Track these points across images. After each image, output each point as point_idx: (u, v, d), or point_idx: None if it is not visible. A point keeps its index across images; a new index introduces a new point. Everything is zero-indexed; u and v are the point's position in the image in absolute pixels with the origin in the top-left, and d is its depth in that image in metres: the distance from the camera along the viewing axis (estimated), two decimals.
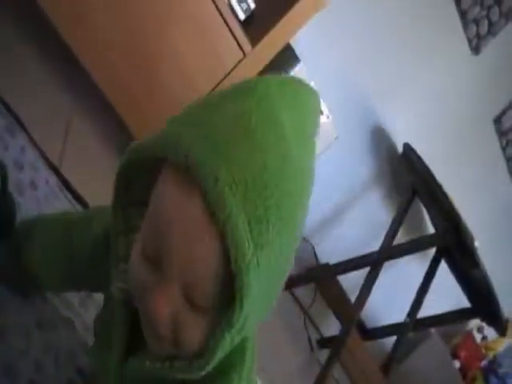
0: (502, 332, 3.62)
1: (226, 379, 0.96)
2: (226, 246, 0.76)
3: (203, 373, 0.87)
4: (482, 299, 3.49)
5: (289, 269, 0.88)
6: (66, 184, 1.68)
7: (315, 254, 3.58)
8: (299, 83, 0.93)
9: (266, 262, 0.79)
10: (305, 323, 3.54)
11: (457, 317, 3.86)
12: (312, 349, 3.49)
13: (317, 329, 3.70)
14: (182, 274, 0.81)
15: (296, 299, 3.53)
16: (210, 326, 0.85)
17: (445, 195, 3.16)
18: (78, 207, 1.67)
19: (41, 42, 1.98)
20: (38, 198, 1.47)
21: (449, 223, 3.10)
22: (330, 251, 3.57)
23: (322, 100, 2.32)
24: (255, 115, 0.81)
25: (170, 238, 0.80)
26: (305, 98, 0.93)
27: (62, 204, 1.59)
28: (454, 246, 3.15)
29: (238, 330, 0.83)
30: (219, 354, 0.85)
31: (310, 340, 3.52)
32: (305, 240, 3.45)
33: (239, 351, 0.97)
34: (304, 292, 3.55)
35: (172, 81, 2.06)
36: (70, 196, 1.66)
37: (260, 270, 0.78)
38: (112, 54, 1.94)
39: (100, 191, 1.83)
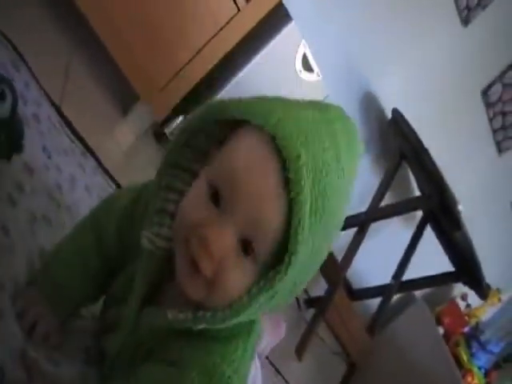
0: (483, 296, 3.71)
1: (231, 345, 1.02)
2: (290, 214, 0.85)
3: (225, 324, 0.93)
4: (464, 263, 3.58)
5: (320, 262, 0.98)
6: (65, 121, 1.75)
7: None
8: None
9: (312, 243, 0.88)
10: None
11: (440, 280, 3.95)
12: (300, 308, 3.54)
13: (304, 289, 3.74)
14: (247, 216, 0.88)
15: None
16: (251, 280, 0.91)
17: (431, 160, 3.22)
18: (77, 143, 1.74)
19: None
20: (42, 131, 1.52)
21: (434, 186, 3.18)
22: None
23: (312, 58, 2.39)
24: (338, 124, 0.94)
25: (246, 185, 0.87)
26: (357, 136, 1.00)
27: (62, 139, 1.66)
28: (439, 209, 3.22)
29: (271, 296, 0.89)
30: (247, 312, 0.91)
31: (297, 299, 3.55)
32: None
33: (248, 324, 1.04)
34: None
35: (167, 32, 2.10)
36: (69, 132, 1.73)
37: (308, 248, 0.87)
38: (110, 4, 2.00)
39: (96, 130, 1.92)
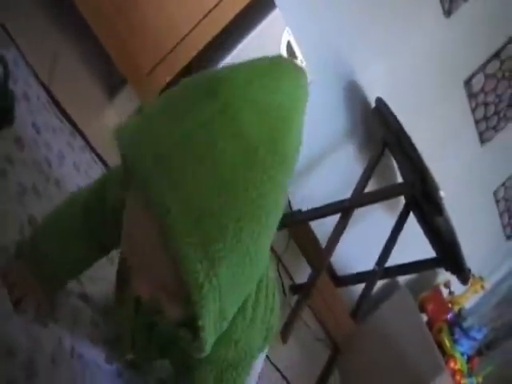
0: (465, 281, 3.77)
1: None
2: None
3: (208, 346, 0.97)
4: (446, 249, 3.65)
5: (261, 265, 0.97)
6: (54, 101, 1.80)
7: (289, 203, 3.68)
8: (278, 70, 0.92)
9: (225, 273, 0.87)
10: (278, 270, 3.64)
11: (423, 266, 4.02)
12: (285, 294, 3.59)
13: (290, 276, 3.81)
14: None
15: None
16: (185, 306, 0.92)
17: (413, 147, 3.28)
18: (66, 123, 1.79)
19: None
20: (31, 109, 1.57)
21: (416, 173, 3.23)
22: (304, 200, 3.66)
23: (296, 45, 2.43)
24: (216, 131, 0.85)
25: (135, 255, 0.94)
26: (285, 89, 0.91)
27: (51, 118, 1.71)
28: (421, 195, 3.27)
29: (217, 318, 0.92)
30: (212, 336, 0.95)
31: (283, 286, 3.61)
32: None
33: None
34: (277, 239, 3.61)
35: (153, 17, 2.12)
36: (57, 112, 1.78)
37: (219, 284, 0.87)
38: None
39: (83, 113, 1.97)
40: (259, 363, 1.44)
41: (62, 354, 1.16)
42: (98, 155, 1.93)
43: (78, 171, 1.65)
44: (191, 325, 0.94)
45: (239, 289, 0.94)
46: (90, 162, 1.82)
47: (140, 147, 0.87)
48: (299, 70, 0.94)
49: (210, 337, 0.93)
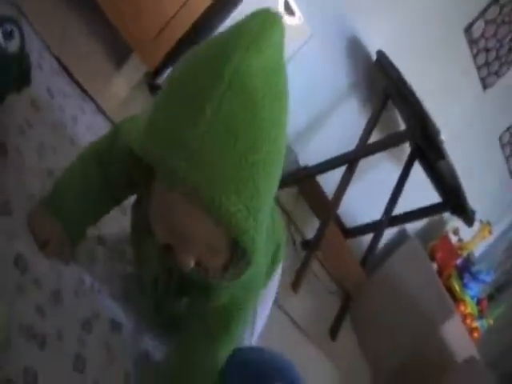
0: (469, 223, 3.84)
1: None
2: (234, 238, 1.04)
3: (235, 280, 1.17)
4: (450, 192, 3.73)
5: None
6: (66, 71, 1.87)
7: (297, 160, 3.75)
8: (266, 29, 1.01)
9: (258, 210, 1.02)
10: (288, 226, 3.68)
11: (429, 211, 4.10)
12: (296, 249, 3.62)
13: (300, 232, 3.85)
14: (201, 253, 1.09)
15: (279, 203, 3.63)
16: (228, 256, 1.13)
17: (413, 95, 3.34)
18: (77, 90, 1.87)
19: None
20: (45, 77, 1.67)
21: (416, 118, 3.28)
22: (311, 156, 3.72)
23: (294, 2, 2.47)
24: (226, 107, 0.96)
25: (187, 236, 1.06)
26: (274, 44, 1.02)
27: (64, 85, 1.79)
28: (422, 140, 3.34)
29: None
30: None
31: (294, 241, 3.65)
32: (288, 147, 3.61)
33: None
34: (286, 196, 3.70)
35: None
36: (69, 80, 1.86)
37: (261, 231, 1.04)
38: None
39: (92, 82, 2.03)
40: (271, 291, 1.63)
41: (83, 288, 1.28)
42: (108, 118, 1.99)
43: (90, 132, 1.74)
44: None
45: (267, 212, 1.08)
46: (101, 124, 1.90)
47: (167, 147, 0.98)
48: (278, 18, 1.03)
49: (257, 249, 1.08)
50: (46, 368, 1.04)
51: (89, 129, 1.75)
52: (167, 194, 1.03)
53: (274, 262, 1.44)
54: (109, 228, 1.47)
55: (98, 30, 2.29)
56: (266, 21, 1.01)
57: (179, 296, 1.39)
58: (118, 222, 1.51)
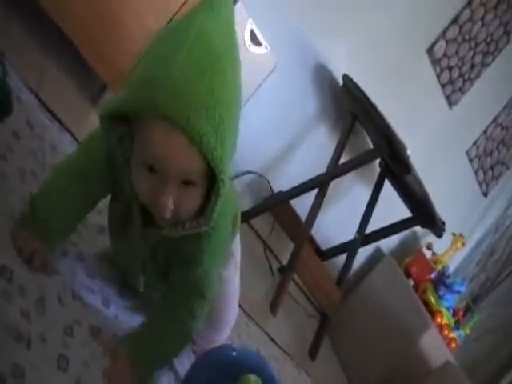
0: (440, 234, 3.95)
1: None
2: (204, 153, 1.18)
3: (209, 225, 1.33)
4: (418, 205, 3.86)
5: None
6: (43, 105, 2.00)
7: (271, 188, 3.85)
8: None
9: (228, 140, 1.22)
10: (265, 253, 3.78)
11: (400, 227, 4.20)
12: (273, 275, 3.71)
13: (276, 257, 3.93)
14: (178, 175, 1.22)
15: (255, 230, 3.76)
16: (201, 195, 1.29)
17: (379, 114, 3.45)
18: (55, 122, 1.99)
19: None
20: (24, 110, 1.78)
21: (383, 136, 3.41)
22: (285, 182, 3.80)
23: (260, 33, 2.59)
24: (194, 55, 1.17)
25: (167, 160, 1.20)
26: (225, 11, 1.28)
27: (42, 117, 1.92)
28: (389, 156, 3.46)
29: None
30: (216, 212, 1.29)
31: (270, 267, 3.74)
32: (261, 176, 3.74)
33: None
34: (262, 223, 3.80)
35: (125, 22, 2.30)
36: (47, 113, 1.98)
37: (227, 154, 1.22)
38: (78, 7, 2.18)
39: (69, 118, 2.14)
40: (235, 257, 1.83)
41: (67, 296, 1.40)
42: None
43: None
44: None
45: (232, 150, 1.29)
46: None
47: (148, 88, 1.18)
48: None
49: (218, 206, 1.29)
50: (32, 366, 1.14)
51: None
52: (147, 134, 1.21)
53: (233, 227, 1.59)
54: (88, 246, 1.58)
55: (74, 66, 2.39)
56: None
57: (166, 273, 1.54)
58: (94, 241, 1.64)
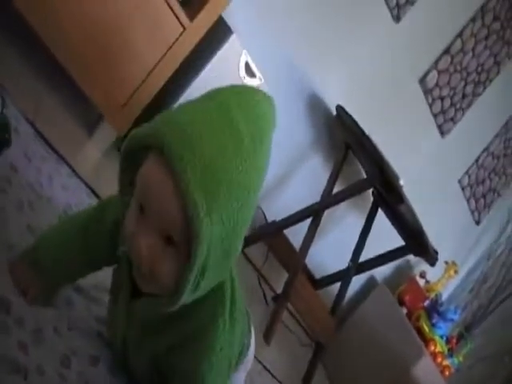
0: (432, 263, 3.97)
1: (210, 318, 1.29)
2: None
3: (177, 306, 1.18)
4: (411, 234, 3.88)
5: (242, 226, 1.17)
6: (40, 136, 2.03)
7: (265, 217, 3.88)
8: (255, 93, 1.22)
9: (218, 220, 1.09)
10: (259, 282, 3.80)
11: (393, 255, 4.21)
12: (267, 304, 3.71)
13: (270, 286, 3.95)
14: (158, 216, 1.13)
15: (249, 260, 3.78)
16: (179, 265, 1.14)
17: (372, 144, 3.51)
18: (52, 153, 2.02)
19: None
20: (22, 141, 1.82)
21: (375, 166, 3.44)
22: (278, 212, 3.84)
23: (254, 65, 2.64)
24: (215, 113, 1.13)
25: (152, 195, 1.13)
26: (261, 108, 1.21)
27: (39, 149, 1.95)
28: (382, 186, 3.50)
29: (199, 274, 1.12)
30: (187, 292, 1.14)
31: (264, 296, 3.75)
32: None
33: (218, 295, 1.30)
34: (256, 252, 3.81)
35: (122, 55, 2.34)
36: (44, 144, 2.01)
37: (213, 227, 1.09)
38: (74, 38, 2.22)
39: (65, 149, 2.16)
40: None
41: (61, 328, 1.40)
42: (82, 180, 2.13)
43: (66, 191, 1.89)
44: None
45: (222, 255, 1.15)
46: (75, 185, 2.04)
47: (159, 124, 1.13)
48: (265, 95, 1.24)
49: (188, 287, 1.13)
50: None
51: (64, 189, 1.90)
52: (144, 167, 1.15)
53: (241, 353, 1.48)
54: (85, 279, 1.61)
55: (71, 97, 2.42)
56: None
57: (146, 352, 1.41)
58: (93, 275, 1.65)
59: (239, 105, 1.17)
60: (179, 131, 1.10)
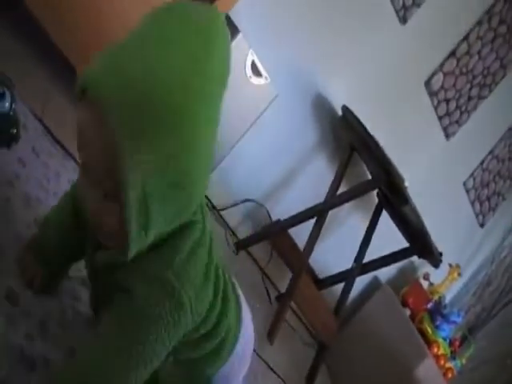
0: (436, 265, 3.98)
1: (165, 251, 1.17)
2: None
3: (130, 254, 1.08)
4: (415, 236, 3.90)
5: (197, 166, 1.07)
6: (48, 131, 2.04)
7: (269, 216, 3.89)
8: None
9: (149, 158, 0.99)
10: (263, 280, 3.81)
11: (397, 257, 4.22)
12: (271, 303, 3.73)
13: (274, 285, 3.97)
14: (91, 171, 1.08)
15: (253, 258, 3.80)
16: (120, 216, 1.04)
17: (377, 144, 3.50)
18: (59, 149, 2.04)
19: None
20: (30, 137, 1.84)
21: (381, 167, 3.45)
22: (283, 211, 3.83)
23: (260, 64, 2.65)
24: (148, 35, 1.03)
25: (79, 144, 1.08)
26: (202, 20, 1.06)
27: (47, 144, 1.97)
28: (387, 187, 3.51)
29: (141, 218, 1.03)
30: (135, 239, 1.06)
31: (268, 295, 3.76)
32: (259, 205, 3.78)
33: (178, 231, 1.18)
34: (260, 252, 3.83)
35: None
36: (52, 140, 2.03)
37: (142, 167, 0.99)
38: (81, 36, 2.22)
39: (74, 138, 2.18)
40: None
41: (66, 319, 1.43)
42: None
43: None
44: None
45: (169, 192, 1.05)
46: None
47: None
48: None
49: (134, 235, 1.05)
50: None
51: (71, 183, 1.92)
52: (77, 114, 1.08)
53: (206, 278, 1.27)
54: None
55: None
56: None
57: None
58: None
59: (178, 20, 1.06)
60: (104, 66, 1.01)
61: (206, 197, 3.00)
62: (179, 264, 1.17)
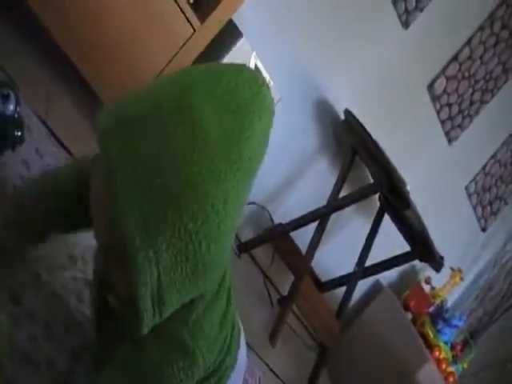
0: (438, 269, 3.99)
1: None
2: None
3: (144, 328, 0.99)
4: (417, 240, 3.91)
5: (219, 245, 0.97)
6: (51, 133, 2.05)
7: (272, 219, 3.89)
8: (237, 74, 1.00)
9: (164, 248, 0.89)
10: (265, 283, 3.81)
11: (399, 260, 4.22)
12: (273, 306, 3.74)
13: (276, 288, 3.96)
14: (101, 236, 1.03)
15: (255, 261, 3.78)
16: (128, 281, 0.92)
17: (379, 149, 3.51)
18: (62, 150, 2.05)
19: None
20: (34, 138, 1.85)
21: (382, 171, 3.46)
22: (285, 214, 3.84)
23: (263, 67, 2.65)
24: (170, 105, 0.94)
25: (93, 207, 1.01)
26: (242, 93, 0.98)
27: (50, 146, 1.98)
28: (389, 191, 3.51)
29: (155, 299, 0.94)
30: (148, 316, 0.96)
31: (270, 298, 3.77)
32: (261, 208, 3.78)
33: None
34: (262, 254, 3.82)
35: (132, 57, 2.34)
36: (55, 141, 2.04)
37: (158, 256, 0.90)
38: (86, 38, 2.23)
39: (78, 140, 2.19)
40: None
41: (72, 323, 1.43)
42: None
43: None
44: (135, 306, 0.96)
45: (182, 280, 0.96)
46: None
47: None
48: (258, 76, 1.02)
49: (148, 315, 0.95)
50: None
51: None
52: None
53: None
54: None
55: (82, 96, 2.43)
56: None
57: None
58: None
59: (208, 93, 0.95)
60: (119, 132, 0.93)
61: None
62: (195, 320, 1.13)
